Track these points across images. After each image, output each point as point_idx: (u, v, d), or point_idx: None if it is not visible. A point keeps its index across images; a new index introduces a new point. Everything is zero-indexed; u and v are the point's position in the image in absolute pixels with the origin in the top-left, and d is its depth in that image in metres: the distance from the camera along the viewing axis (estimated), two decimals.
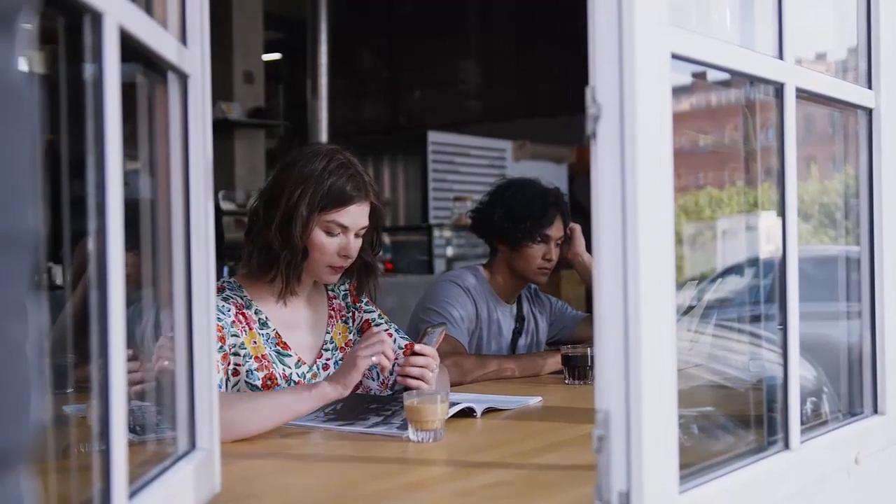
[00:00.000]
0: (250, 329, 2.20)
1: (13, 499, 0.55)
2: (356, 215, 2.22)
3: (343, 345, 2.37)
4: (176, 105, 1.35)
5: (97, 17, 1.00)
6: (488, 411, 2.17)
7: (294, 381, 2.23)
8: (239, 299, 2.21)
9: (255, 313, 2.23)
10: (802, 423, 1.54)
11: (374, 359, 1.99)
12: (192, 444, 1.37)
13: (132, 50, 1.12)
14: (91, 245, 1.02)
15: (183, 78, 1.35)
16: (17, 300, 0.55)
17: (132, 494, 1.09)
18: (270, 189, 2.23)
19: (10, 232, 0.54)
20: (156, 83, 1.33)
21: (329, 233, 2.20)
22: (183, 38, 1.35)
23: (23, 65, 0.57)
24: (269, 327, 2.23)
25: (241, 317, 2.19)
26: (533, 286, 3.20)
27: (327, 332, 2.36)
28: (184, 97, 1.36)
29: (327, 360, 2.33)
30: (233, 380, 2.13)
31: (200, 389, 1.38)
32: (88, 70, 1.02)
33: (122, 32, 1.05)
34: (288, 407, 1.97)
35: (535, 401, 2.35)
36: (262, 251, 2.21)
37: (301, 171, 2.19)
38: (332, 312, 2.39)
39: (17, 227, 0.55)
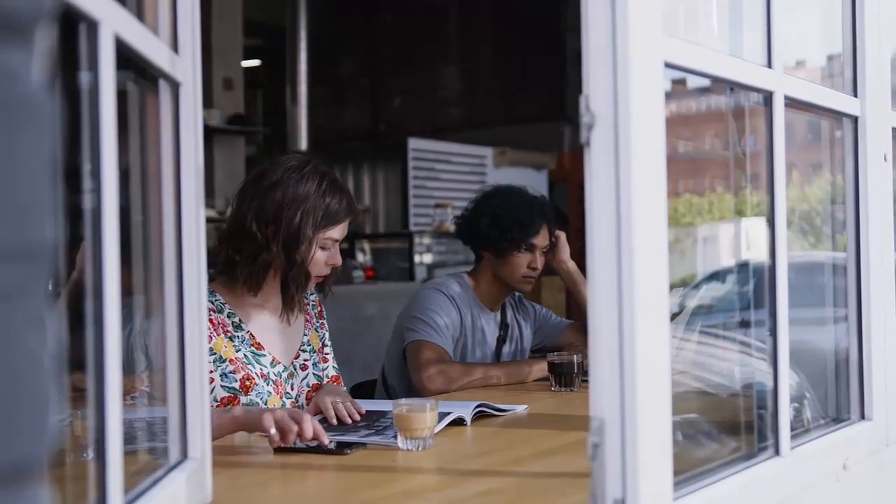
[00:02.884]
0: (219, 335, 2.23)
1: None
2: (345, 228, 2.33)
3: (317, 349, 2.45)
4: (167, 113, 1.34)
5: (93, 25, 0.99)
6: (479, 417, 2.18)
7: (272, 381, 2.27)
8: (209, 304, 2.23)
9: (228, 317, 2.28)
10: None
11: (272, 431, 1.81)
12: (184, 454, 1.36)
13: (124, 57, 1.11)
14: (86, 253, 1.01)
15: (175, 86, 1.34)
16: (36, 312, 0.55)
17: None
18: (261, 207, 2.24)
19: (28, 243, 0.54)
20: (147, 91, 1.32)
21: (323, 248, 2.29)
22: (175, 46, 1.34)
23: (41, 75, 0.56)
24: (243, 329, 2.28)
25: (209, 322, 2.20)
26: (517, 293, 3.20)
27: (304, 335, 2.42)
28: (175, 105, 1.35)
29: (305, 360, 2.40)
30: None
31: (192, 399, 1.37)
32: (83, 77, 1.02)
33: (117, 40, 1.04)
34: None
35: (521, 408, 2.35)
36: (261, 269, 2.25)
37: (296, 192, 2.24)
38: (308, 317, 2.47)
39: (36, 239, 0.55)
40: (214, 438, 1.96)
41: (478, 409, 2.18)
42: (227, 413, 1.96)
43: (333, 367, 2.51)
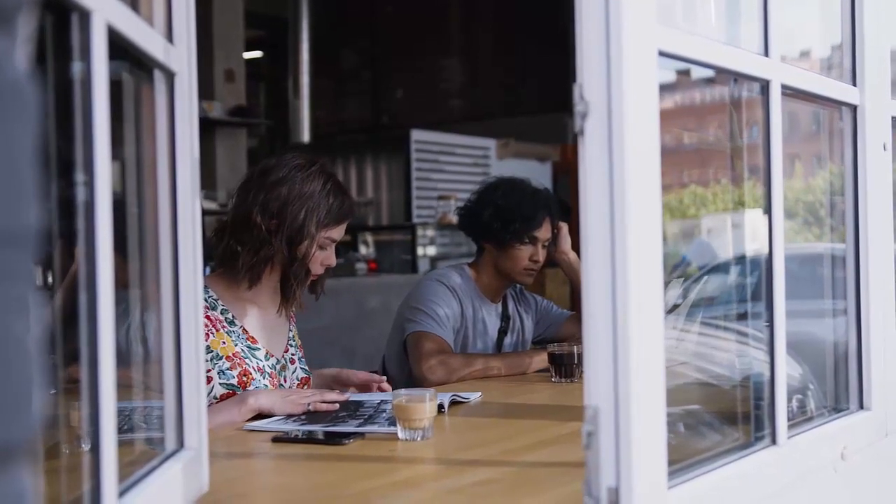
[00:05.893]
0: (217, 330, 2.26)
1: (16, 493, 0.55)
2: (343, 230, 2.38)
3: (299, 345, 2.51)
4: (162, 103, 1.34)
5: (85, 15, 0.99)
6: (453, 404, 2.23)
7: (267, 373, 2.31)
8: (202, 295, 2.25)
9: (221, 313, 2.30)
10: (789, 419, 1.55)
11: (310, 407, 2.13)
12: (181, 444, 1.37)
13: (118, 48, 1.11)
14: (79, 245, 1.01)
15: (170, 76, 1.34)
16: (21, 296, 0.55)
17: (121, 493, 1.09)
18: (265, 202, 2.27)
19: (13, 228, 0.54)
20: (142, 81, 1.32)
21: (321, 247, 2.33)
22: (169, 36, 1.34)
23: (23, 62, 0.57)
24: (236, 325, 2.31)
25: (205, 319, 2.22)
26: (518, 285, 3.20)
27: (290, 330, 2.47)
28: (170, 95, 1.35)
29: (292, 355, 2.45)
30: (206, 388, 2.18)
31: (188, 389, 1.37)
32: (76, 68, 1.02)
33: (110, 30, 1.04)
34: (221, 425, 2.05)
35: (475, 396, 2.39)
36: (262, 262, 2.28)
37: (301, 190, 2.28)
38: (292, 315, 2.50)
39: (20, 224, 0.55)
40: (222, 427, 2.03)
41: (451, 397, 2.25)
42: (245, 406, 2.08)
43: (302, 368, 2.52)
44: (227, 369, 2.23)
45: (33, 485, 0.58)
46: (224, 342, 2.26)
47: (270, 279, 2.34)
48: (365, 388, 2.43)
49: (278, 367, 2.37)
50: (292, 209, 2.26)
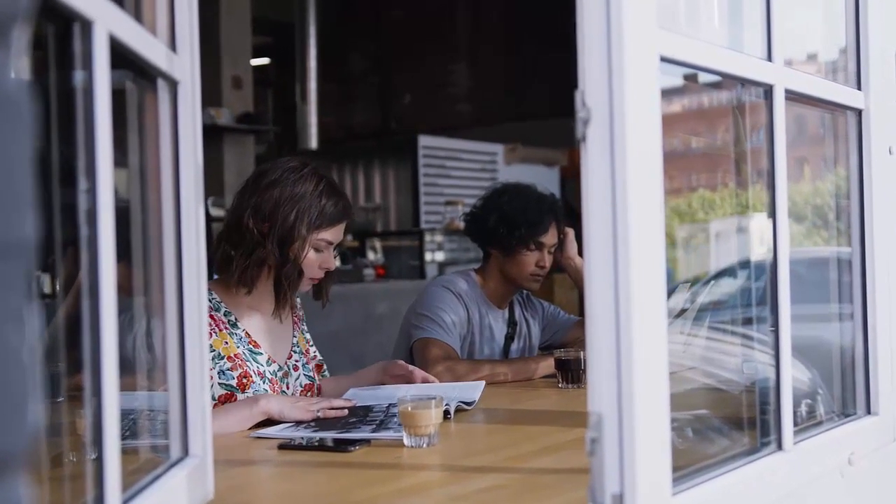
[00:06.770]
0: (220, 331, 2.27)
1: (12, 502, 0.55)
2: (341, 232, 2.36)
3: (304, 351, 2.49)
4: (166, 112, 1.35)
5: (87, 25, 0.99)
6: (459, 410, 2.22)
7: (268, 378, 2.31)
8: (206, 303, 2.26)
9: (225, 315, 2.31)
10: (797, 424, 1.54)
11: (319, 414, 2.12)
12: (185, 451, 1.37)
13: (121, 56, 1.12)
14: (82, 253, 1.01)
15: (173, 84, 1.34)
16: (16, 307, 0.55)
17: (125, 502, 1.09)
18: (258, 204, 2.28)
19: (9, 239, 0.54)
20: (145, 90, 1.33)
21: (317, 249, 2.32)
22: (172, 45, 1.35)
23: (19, 73, 0.57)
24: (239, 328, 2.31)
25: (209, 319, 2.23)
26: (525, 290, 3.20)
27: (294, 336, 2.46)
28: (174, 104, 1.36)
29: (296, 361, 2.44)
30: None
31: (193, 396, 1.38)
32: (78, 77, 1.02)
33: (112, 39, 1.05)
34: (229, 427, 2.04)
35: (479, 386, 2.41)
36: (255, 265, 2.28)
37: (293, 191, 2.28)
38: (296, 320, 2.50)
39: (16, 235, 0.55)
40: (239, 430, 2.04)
41: (458, 403, 2.23)
42: (256, 407, 2.07)
43: (306, 375, 2.51)
44: (228, 370, 2.23)
45: (29, 494, 0.58)
46: (226, 342, 2.26)
47: (268, 285, 2.34)
48: (406, 379, 2.46)
49: (280, 373, 2.36)
50: (283, 210, 2.26)
